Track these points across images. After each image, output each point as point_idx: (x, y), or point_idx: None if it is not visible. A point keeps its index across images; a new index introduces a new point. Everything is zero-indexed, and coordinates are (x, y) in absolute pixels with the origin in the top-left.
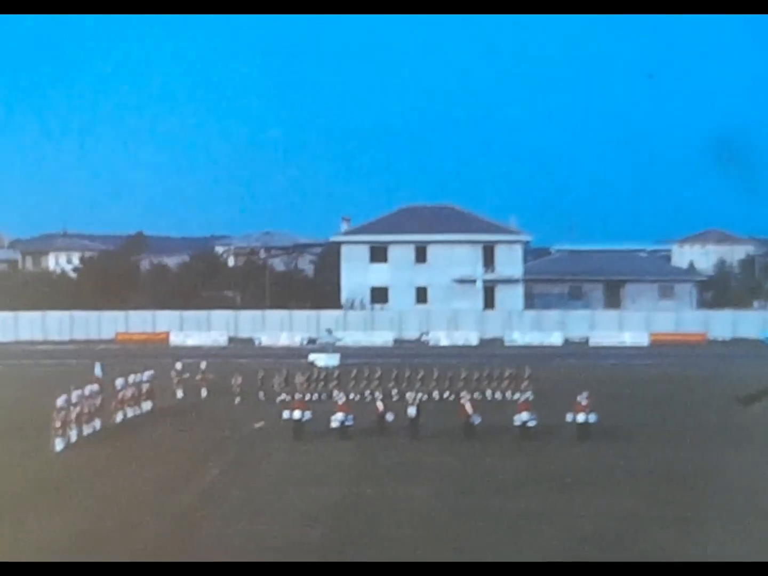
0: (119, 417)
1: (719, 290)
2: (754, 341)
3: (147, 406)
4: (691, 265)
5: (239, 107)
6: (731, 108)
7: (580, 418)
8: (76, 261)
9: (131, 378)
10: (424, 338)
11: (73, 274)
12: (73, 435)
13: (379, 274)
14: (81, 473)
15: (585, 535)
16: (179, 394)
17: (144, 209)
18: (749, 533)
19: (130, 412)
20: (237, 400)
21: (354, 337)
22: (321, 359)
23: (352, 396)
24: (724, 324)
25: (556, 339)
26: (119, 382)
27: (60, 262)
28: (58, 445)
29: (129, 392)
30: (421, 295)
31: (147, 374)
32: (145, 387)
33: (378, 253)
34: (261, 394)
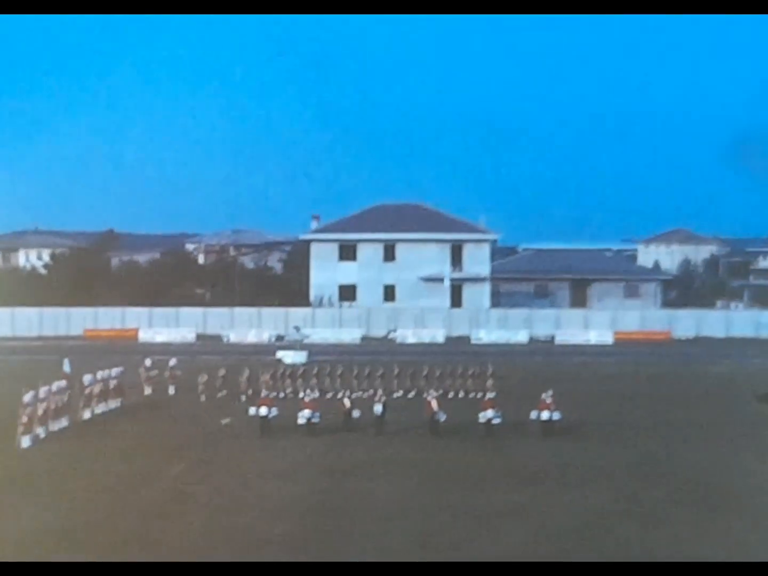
0: (87, 413)
1: (683, 289)
2: (717, 339)
3: (115, 402)
4: (656, 265)
5: (211, 106)
6: (703, 109)
7: (545, 415)
8: (46, 258)
9: (99, 374)
10: (391, 336)
11: (43, 271)
12: (41, 431)
13: (348, 272)
14: (48, 470)
15: (549, 531)
16: (148, 390)
17: (115, 206)
18: (715, 529)
19: (99, 409)
20: (202, 398)
21: (322, 335)
22: (288, 356)
23: (318, 393)
24: (688, 323)
25: (522, 337)
26: (87, 378)
27: (30, 259)
28: (25, 441)
29: (97, 388)
30: (389, 293)
31: (115, 371)
32: (113, 383)
33: (347, 252)
34: (223, 392)
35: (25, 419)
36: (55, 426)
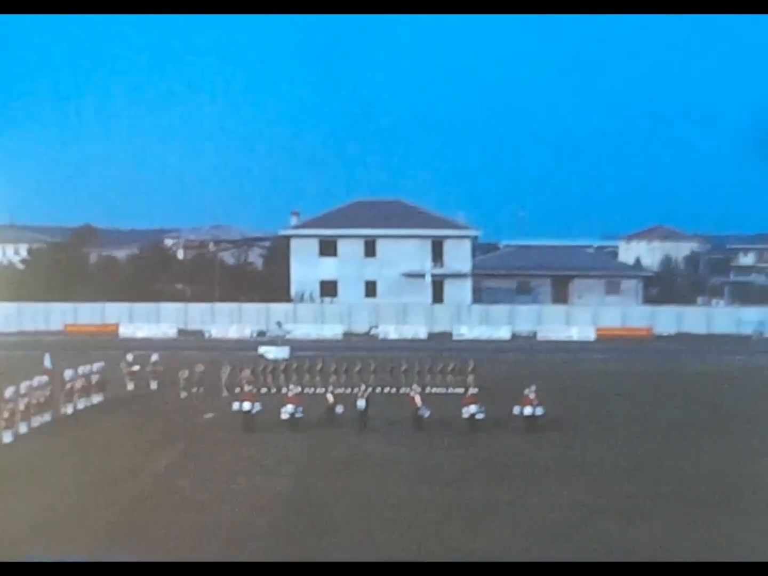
0: (69, 409)
1: (664, 286)
2: (697, 336)
3: (97, 397)
4: (637, 262)
5: (190, 101)
6: (685, 108)
7: (528, 411)
8: (23, 253)
9: (81, 369)
10: (373, 332)
11: (20, 266)
12: (22, 427)
13: (329, 268)
14: (30, 465)
15: (532, 526)
16: (130, 385)
17: (92, 202)
18: (699, 526)
19: (81, 404)
20: (183, 394)
21: (303, 330)
22: (271, 352)
23: (301, 388)
24: (669, 319)
25: (504, 333)
26: (68, 373)
27: (7, 254)
28: (6, 437)
29: (79, 384)
30: (371, 288)
31: (97, 366)
32: (95, 378)
33: (327, 247)
34: (200, 388)
35: (6, 414)
36: (37, 421)
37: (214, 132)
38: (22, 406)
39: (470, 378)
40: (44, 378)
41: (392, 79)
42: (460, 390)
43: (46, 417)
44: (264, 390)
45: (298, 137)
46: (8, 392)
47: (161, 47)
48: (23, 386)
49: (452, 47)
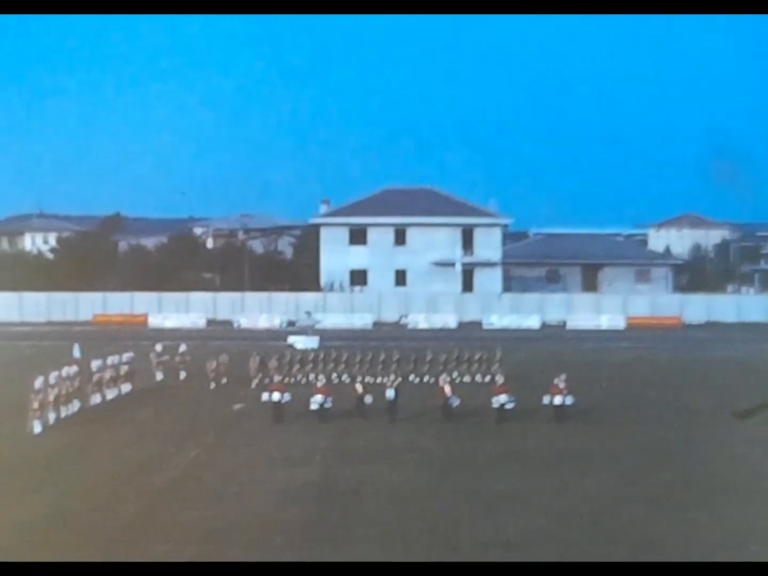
0: (97, 399)
1: (694, 274)
2: (727, 324)
3: (126, 387)
4: (667, 250)
5: (219, 90)
6: (708, 99)
7: (557, 400)
8: (52, 242)
9: (109, 360)
10: (403, 321)
11: (50, 255)
12: (51, 417)
13: (359, 257)
14: (59, 455)
15: (562, 515)
16: (159, 376)
17: (121, 190)
18: (723, 513)
19: (109, 394)
20: (212, 385)
21: (333, 320)
22: (300, 341)
23: (330, 378)
24: (699, 308)
25: (533, 322)
26: (96, 363)
27: (36, 243)
28: (36, 427)
29: (107, 374)
30: (400, 277)
31: (126, 356)
32: (123, 369)
33: (357, 236)
34: (224, 379)
35: (36, 405)
36: (66, 412)
37: (243, 120)
38: (51, 397)
39: (496, 367)
40: (73, 368)
41: (422, 68)
42: (486, 378)
43: (76, 407)
44: (293, 380)
45: (329, 124)
46: (37, 383)
47: (188, 39)
48: (52, 377)
49: (481, 38)
